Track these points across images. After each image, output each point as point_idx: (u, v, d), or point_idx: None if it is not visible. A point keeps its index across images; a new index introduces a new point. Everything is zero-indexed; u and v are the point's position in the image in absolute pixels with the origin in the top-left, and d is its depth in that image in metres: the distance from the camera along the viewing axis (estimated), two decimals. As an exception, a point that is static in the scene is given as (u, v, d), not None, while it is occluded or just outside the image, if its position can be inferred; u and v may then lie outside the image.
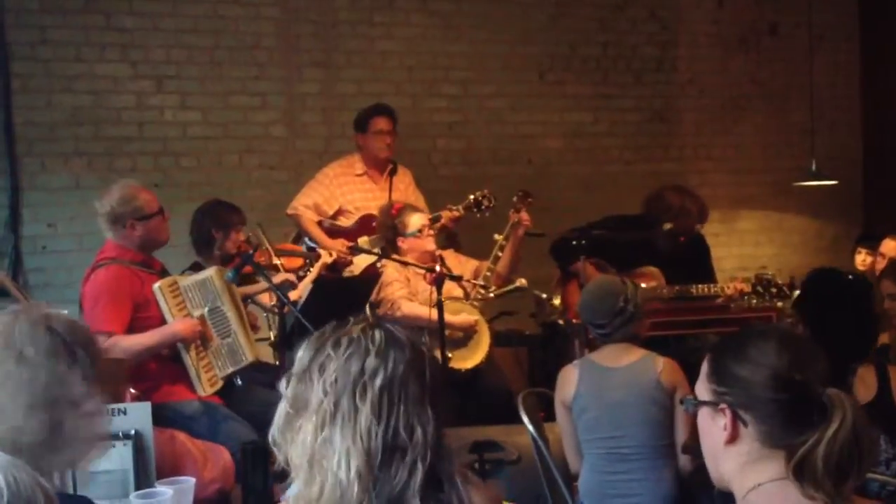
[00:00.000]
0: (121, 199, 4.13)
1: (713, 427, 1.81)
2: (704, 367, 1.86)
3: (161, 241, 4.29)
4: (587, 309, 3.69)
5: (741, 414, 1.76)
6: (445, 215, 5.40)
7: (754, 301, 5.25)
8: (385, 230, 5.22)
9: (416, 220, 5.12)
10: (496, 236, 5.17)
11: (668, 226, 5.54)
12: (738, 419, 1.76)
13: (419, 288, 4.99)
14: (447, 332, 4.77)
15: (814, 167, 6.79)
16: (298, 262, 5.25)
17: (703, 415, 1.84)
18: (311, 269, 5.11)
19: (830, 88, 7.66)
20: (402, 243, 5.12)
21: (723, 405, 1.78)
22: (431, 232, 5.15)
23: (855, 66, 7.99)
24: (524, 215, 5.18)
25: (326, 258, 5.17)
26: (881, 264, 5.79)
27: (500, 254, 5.14)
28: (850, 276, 4.72)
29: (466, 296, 5.13)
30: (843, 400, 1.71)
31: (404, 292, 5.00)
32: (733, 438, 1.77)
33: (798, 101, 7.44)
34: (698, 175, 7.30)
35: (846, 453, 1.68)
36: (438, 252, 5.20)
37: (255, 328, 4.65)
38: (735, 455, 1.78)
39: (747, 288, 5.34)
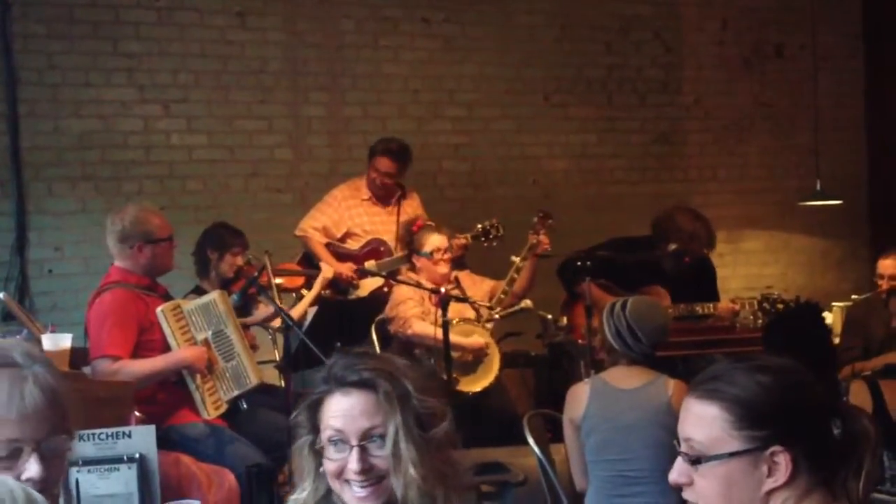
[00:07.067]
0: (133, 219, 4.14)
1: (750, 478, 1.61)
2: (721, 416, 1.64)
3: (166, 268, 4.29)
4: (658, 330, 3.63)
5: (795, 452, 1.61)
6: (454, 243, 5.38)
7: (760, 321, 5.25)
8: (404, 244, 5.23)
9: (432, 241, 5.08)
10: (513, 258, 5.15)
11: (672, 246, 5.54)
12: (794, 458, 1.61)
13: (432, 308, 4.97)
14: (457, 355, 4.76)
15: (819, 187, 6.78)
16: (300, 280, 5.25)
17: (735, 467, 1.62)
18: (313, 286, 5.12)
19: (835, 109, 7.66)
20: (417, 261, 5.12)
21: (774, 448, 1.61)
22: (447, 257, 5.09)
23: (859, 86, 7.99)
24: (543, 238, 5.15)
25: (327, 273, 5.17)
26: (885, 285, 5.76)
27: (515, 276, 5.12)
28: (799, 303, 4.87)
29: (479, 318, 5.12)
30: (868, 418, 1.66)
31: (417, 311, 4.98)
32: (789, 481, 1.61)
33: (803, 122, 7.44)
34: (704, 196, 7.29)
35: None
36: (454, 274, 5.20)
37: (254, 348, 4.65)
38: (780, 499, 1.62)
39: (737, 307, 5.39)
